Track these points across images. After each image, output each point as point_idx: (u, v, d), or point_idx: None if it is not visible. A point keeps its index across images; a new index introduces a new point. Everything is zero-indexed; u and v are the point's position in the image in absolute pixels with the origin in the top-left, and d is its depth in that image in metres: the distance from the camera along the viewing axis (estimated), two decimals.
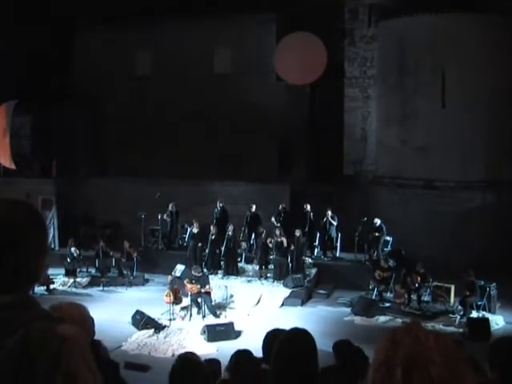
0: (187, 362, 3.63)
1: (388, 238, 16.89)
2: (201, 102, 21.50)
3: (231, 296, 14.99)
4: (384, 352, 1.44)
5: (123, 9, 21.64)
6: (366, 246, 16.89)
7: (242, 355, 5.34)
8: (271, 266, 16.34)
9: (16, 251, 1.52)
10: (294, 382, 2.57)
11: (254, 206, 17.50)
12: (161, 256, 17.65)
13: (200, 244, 16.49)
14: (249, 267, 16.84)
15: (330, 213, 17.15)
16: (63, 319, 1.63)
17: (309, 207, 17.22)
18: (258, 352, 4.01)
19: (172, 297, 13.68)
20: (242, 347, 6.32)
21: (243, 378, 4.77)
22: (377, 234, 16.64)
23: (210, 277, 14.97)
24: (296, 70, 16.77)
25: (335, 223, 17.19)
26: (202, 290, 13.68)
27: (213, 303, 14.06)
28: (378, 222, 16.69)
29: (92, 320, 2.92)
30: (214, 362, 6.08)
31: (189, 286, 13.76)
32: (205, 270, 15.36)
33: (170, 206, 17.91)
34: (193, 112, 21.65)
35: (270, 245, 16.15)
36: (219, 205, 17.70)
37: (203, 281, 13.86)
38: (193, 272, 14.03)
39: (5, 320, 1.47)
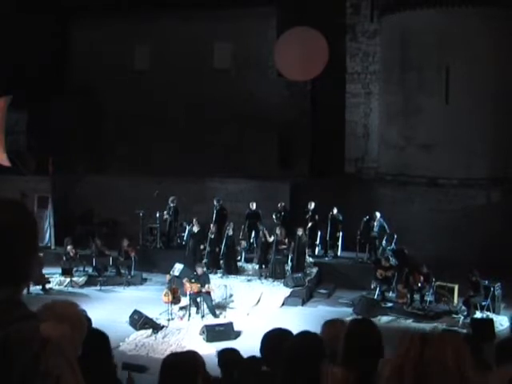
0: (177, 359, 3.40)
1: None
2: (200, 97, 21.23)
3: (231, 295, 14.82)
4: (399, 361, 1.55)
5: (122, 2, 21.39)
6: (367, 246, 16.64)
7: (228, 353, 5.12)
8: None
9: (3, 251, 1.51)
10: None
11: (253, 204, 17.23)
12: (159, 255, 17.41)
13: (202, 246, 16.20)
14: (248, 266, 16.61)
15: (335, 211, 16.86)
16: (48, 319, 1.59)
17: (313, 205, 16.95)
18: (258, 353, 3.87)
19: (170, 296, 13.50)
20: (241, 348, 6.08)
21: (232, 375, 4.56)
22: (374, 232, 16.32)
23: (210, 276, 14.74)
24: (297, 66, 16.45)
25: (340, 221, 16.91)
26: (203, 290, 13.46)
27: (213, 303, 13.83)
28: (377, 215, 16.41)
29: (89, 319, 2.84)
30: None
31: (188, 285, 13.55)
32: (204, 269, 15.15)
33: (170, 200, 17.60)
34: (192, 107, 21.39)
35: (270, 241, 15.92)
36: (217, 203, 17.42)
37: (203, 280, 13.63)
38: (197, 268, 13.80)
39: None
